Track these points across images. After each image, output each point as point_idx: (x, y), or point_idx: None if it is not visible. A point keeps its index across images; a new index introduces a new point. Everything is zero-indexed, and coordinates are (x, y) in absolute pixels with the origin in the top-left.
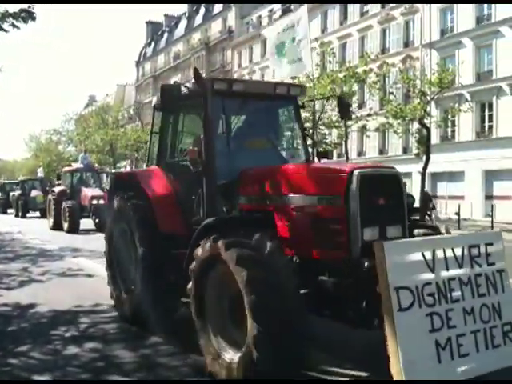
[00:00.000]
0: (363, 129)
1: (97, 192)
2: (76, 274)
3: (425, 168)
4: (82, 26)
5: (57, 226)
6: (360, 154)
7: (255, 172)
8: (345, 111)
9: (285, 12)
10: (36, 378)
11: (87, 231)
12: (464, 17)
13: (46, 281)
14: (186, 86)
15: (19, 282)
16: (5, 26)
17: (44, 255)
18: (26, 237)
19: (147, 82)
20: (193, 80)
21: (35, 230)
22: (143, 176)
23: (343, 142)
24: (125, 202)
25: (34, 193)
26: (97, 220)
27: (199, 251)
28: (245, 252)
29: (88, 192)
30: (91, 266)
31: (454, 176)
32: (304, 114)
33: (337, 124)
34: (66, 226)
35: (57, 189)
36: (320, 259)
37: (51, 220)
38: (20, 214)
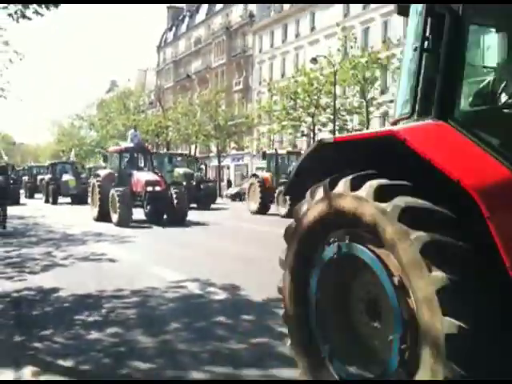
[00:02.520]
0: (385, 115)
1: (152, 176)
2: (99, 258)
3: None
4: (103, 11)
5: (103, 217)
6: None
7: None
8: None
9: None
10: (59, 362)
11: (139, 222)
12: None
13: (68, 265)
14: None
15: (42, 266)
16: (28, 13)
17: (67, 239)
18: (48, 221)
19: (168, 67)
20: None
21: (79, 223)
22: (421, 139)
23: (365, 128)
24: (386, 201)
25: (65, 177)
26: (148, 208)
27: None
28: None
29: (141, 177)
30: (114, 251)
31: None
32: (325, 100)
33: (358, 110)
34: (115, 217)
35: (102, 172)
36: None
37: (96, 210)
38: (51, 199)
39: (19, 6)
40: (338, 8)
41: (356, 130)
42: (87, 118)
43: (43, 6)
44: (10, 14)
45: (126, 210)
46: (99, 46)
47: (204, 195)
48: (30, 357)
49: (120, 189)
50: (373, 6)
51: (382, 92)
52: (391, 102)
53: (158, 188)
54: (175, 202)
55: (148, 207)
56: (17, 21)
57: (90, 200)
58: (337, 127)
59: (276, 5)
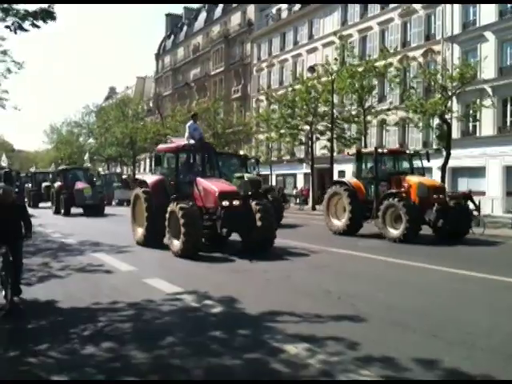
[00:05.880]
0: (383, 123)
1: (226, 186)
2: (95, 269)
3: (445, 163)
4: (102, 18)
5: (153, 241)
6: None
7: None
8: None
9: (304, 5)
10: (54, 378)
11: (207, 249)
12: (487, 10)
13: (65, 276)
14: None
15: (39, 278)
16: (25, 25)
17: (64, 249)
18: (47, 230)
19: (167, 75)
20: None
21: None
22: None
23: (362, 137)
24: None
25: (79, 185)
26: (224, 231)
27: None
28: None
29: (212, 186)
30: (111, 262)
31: (475, 171)
32: (323, 108)
33: (356, 119)
34: (176, 243)
35: (149, 179)
36: None
37: (141, 231)
38: (63, 210)
39: (16, 18)
40: (336, 16)
41: (354, 139)
42: (86, 126)
43: (40, 18)
44: (7, 26)
45: (196, 235)
46: (98, 53)
47: (275, 208)
48: (24, 373)
49: (185, 205)
50: (370, 14)
51: (380, 100)
52: (388, 110)
53: (236, 202)
54: (259, 222)
55: (224, 230)
56: (14, 32)
57: (131, 218)
58: (334, 135)
59: (274, 13)
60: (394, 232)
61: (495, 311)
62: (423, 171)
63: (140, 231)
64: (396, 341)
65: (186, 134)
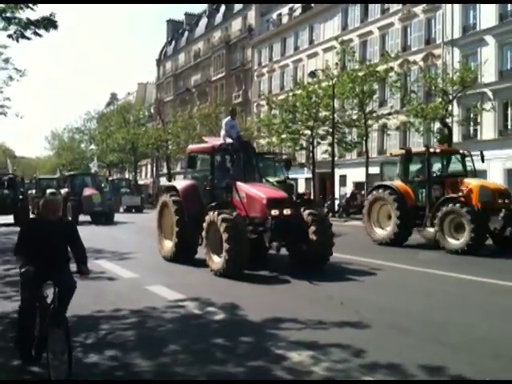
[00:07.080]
0: (384, 127)
1: (275, 191)
2: (98, 276)
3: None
4: (103, 24)
5: (184, 256)
6: (380, 152)
7: None
8: None
9: (305, 10)
10: None
11: (256, 269)
12: (487, 14)
13: None
14: None
15: None
16: (27, 33)
17: None
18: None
19: (168, 81)
20: None
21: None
22: None
23: (363, 141)
24: None
25: (87, 191)
26: (274, 245)
27: None
28: None
29: (259, 192)
30: (113, 269)
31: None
32: (324, 113)
33: (357, 123)
34: (218, 262)
35: (179, 184)
36: None
37: (169, 244)
38: (70, 218)
39: (18, 27)
40: (337, 21)
41: (355, 143)
42: (87, 132)
43: (42, 27)
44: (9, 35)
45: (242, 252)
46: (99, 60)
47: None
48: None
49: (228, 216)
50: (370, 19)
51: (381, 105)
52: (389, 114)
53: (287, 211)
54: (314, 236)
55: (274, 244)
56: (17, 41)
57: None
58: (335, 140)
59: (274, 18)
60: (455, 242)
61: None
62: (475, 173)
63: (168, 245)
64: (399, 347)
65: (223, 132)
